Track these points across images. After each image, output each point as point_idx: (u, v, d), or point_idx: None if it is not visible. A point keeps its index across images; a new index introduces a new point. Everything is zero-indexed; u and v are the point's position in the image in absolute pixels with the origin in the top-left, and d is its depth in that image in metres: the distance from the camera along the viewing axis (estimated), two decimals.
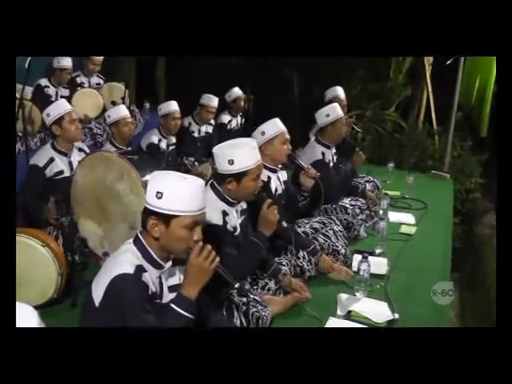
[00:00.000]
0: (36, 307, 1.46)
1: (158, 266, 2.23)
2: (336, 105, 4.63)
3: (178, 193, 2.12)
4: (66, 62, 6.12)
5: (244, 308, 2.79)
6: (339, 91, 5.61)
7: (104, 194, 3.57)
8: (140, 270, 2.13)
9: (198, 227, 2.19)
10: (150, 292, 2.15)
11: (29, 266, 3.06)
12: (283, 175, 3.86)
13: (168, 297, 2.27)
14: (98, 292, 2.13)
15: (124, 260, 2.15)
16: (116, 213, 3.54)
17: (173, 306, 2.13)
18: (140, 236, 2.24)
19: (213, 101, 6.05)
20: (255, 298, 2.93)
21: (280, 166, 3.79)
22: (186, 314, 2.12)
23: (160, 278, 2.25)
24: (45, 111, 4.04)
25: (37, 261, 3.10)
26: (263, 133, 3.62)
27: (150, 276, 2.18)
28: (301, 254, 3.49)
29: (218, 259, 2.18)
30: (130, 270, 2.10)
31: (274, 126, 3.67)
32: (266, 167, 3.62)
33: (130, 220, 3.49)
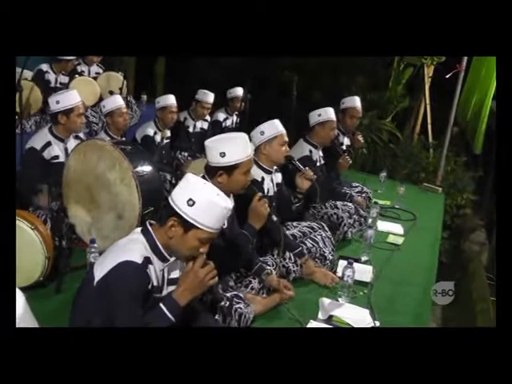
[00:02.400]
0: (21, 289, 1.46)
1: (163, 259, 2.25)
2: (331, 109, 4.67)
3: (210, 209, 2.13)
4: None
5: (227, 303, 2.80)
6: (357, 102, 5.51)
7: (94, 182, 3.57)
8: (147, 261, 2.15)
9: (208, 242, 2.22)
10: (150, 286, 2.16)
11: (16, 247, 3.04)
12: (277, 177, 3.86)
13: (167, 289, 2.29)
14: (100, 272, 2.14)
15: (134, 249, 2.16)
16: (105, 201, 3.55)
17: (161, 305, 2.15)
18: (149, 228, 2.25)
19: (208, 97, 6.05)
20: (239, 294, 2.94)
21: (275, 167, 3.79)
22: (171, 316, 2.14)
23: (163, 270, 2.27)
24: (53, 97, 4.03)
25: (25, 243, 3.08)
26: (262, 132, 3.63)
27: (155, 269, 2.20)
28: (287, 254, 3.50)
29: (216, 278, 2.21)
30: (138, 260, 2.11)
31: (274, 127, 3.67)
32: (261, 167, 3.64)
33: (119, 209, 3.50)
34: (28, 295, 1.45)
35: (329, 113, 4.60)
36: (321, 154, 4.68)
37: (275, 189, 3.78)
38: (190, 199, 2.12)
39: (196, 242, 2.16)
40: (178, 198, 2.16)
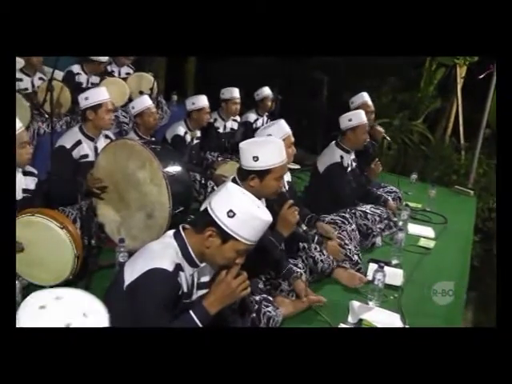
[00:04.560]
0: (51, 287, 1.46)
1: (194, 265, 2.23)
2: (361, 111, 4.58)
3: (250, 221, 2.09)
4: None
5: (256, 306, 2.78)
6: (366, 97, 5.55)
7: (124, 181, 3.58)
8: (178, 268, 2.13)
9: (245, 254, 2.19)
10: (180, 292, 2.15)
11: (46, 247, 3.08)
12: (287, 175, 3.79)
13: (196, 294, 2.28)
14: (130, 275, 2.13)
15: (166, 255, 2.13)
16: (134, 201, 3.56)
17: (191, 313, 2.12)
18: (182, 232, 2.22)
19: (235, 92, 6.01)
20: (268, 297, 2.92)
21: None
22: (200, 324, 2.11)
23: (192, 275, 2.25)
24: (82, 94, 4.09)
25: (54, 242, 3.11)
26: (269, 136, 3.46)
27: (185, 275, 2.18)
28: (312, 246, 3.49)
29: (249, 289, 2.19)
30: (170, 268, 2.09)
31: (279, 130, 3.51)
32: None
33: (148, 209, 3.50)
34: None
35: (360, 116, 4.48)
36: (353, 156, 4.60)
37: (286, 187, 3.73)
38: (231, 210, 2.07)
39: (233, 254, 2.13)
40: (218, 208, 2.11)
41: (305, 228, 3.26)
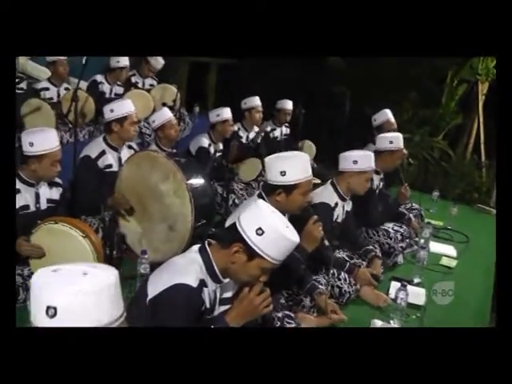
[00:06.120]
0: None
1: (217, 281, 2.22)
2: (400, 135, 4.52)
3: (278, 241, 2.08)
4: (125, 60, 6.20)
5: (278, 323, 2.76)
6: (389, 115, 5.51)
7: (147, 193, 3.59)
8: (202, 284, 2.12)
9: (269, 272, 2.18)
10: (203, 308, 2.14)
11: (67, 255, 3.06)
12: (349, 205, 3.82)
13: (219, 309, 2.26)
14: (154, 289, 2.12)
15: (191, 270, 2.13)
16: (157, 213, 3.57)
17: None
18: (207, 248, 2.22)
19: (257, 100, 6.00)
20: (290, 314, 2.90)
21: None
22: None
23: (215, 290, 2.24)
24: (108, 106, 4.13)
25: (76, 251, 3.09)
26: (355, 162, 3.57)
27: (209, 290, 2.17)
28: (342, 275, 3.45)
29: (271, 306, 2.18)
30: (194, 284, 2.08)
31: (369, 161, 3.61)
32: (338, 193, 3.63)
33: (170, 221, 3.50)
34: None
35: (400, 141, 4.43)
36: (382, 176, 4.54)
37: (344, 216, 3.74)
38: (260, 228, 2.06)
39: (258, 271, 2.12)
40: (247, 224, 2.11)
41: (327, 244, 3.24)
